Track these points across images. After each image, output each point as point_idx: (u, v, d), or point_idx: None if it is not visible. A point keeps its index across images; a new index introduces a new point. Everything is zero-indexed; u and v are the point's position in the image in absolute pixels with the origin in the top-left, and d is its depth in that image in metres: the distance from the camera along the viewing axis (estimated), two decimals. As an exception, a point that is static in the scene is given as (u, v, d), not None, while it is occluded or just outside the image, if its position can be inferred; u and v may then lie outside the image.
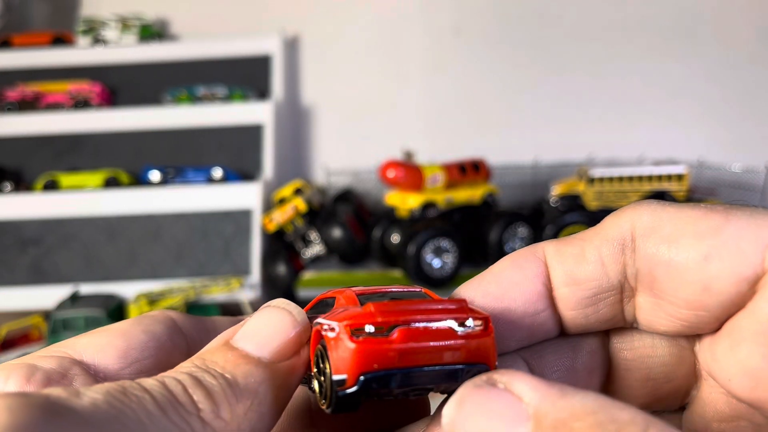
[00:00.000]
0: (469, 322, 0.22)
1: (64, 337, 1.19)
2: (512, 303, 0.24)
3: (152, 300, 1.29)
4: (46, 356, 0.25)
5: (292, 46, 1.75)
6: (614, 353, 0.26)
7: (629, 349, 0.25)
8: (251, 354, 0.22)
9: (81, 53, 1.69)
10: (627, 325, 0.25)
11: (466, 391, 0.20)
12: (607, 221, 0.24)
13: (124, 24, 1.71)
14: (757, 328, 0.20)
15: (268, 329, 0.23)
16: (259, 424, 0.21)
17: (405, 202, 1.28)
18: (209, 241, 1.42)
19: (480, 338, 0.22)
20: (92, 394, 0.17)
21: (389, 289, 0.25)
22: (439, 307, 0.22)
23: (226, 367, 0.21)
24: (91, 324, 1.20)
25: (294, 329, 0.23)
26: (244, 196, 1.44)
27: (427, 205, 1.28)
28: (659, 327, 0.23)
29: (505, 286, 0.25)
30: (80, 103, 1.61)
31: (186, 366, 0.21)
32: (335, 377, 0.21)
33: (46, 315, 1.30)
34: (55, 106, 1.61)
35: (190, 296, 1.30)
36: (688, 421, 0.25)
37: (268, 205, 1.44)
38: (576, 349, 0.26)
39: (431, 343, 0.21)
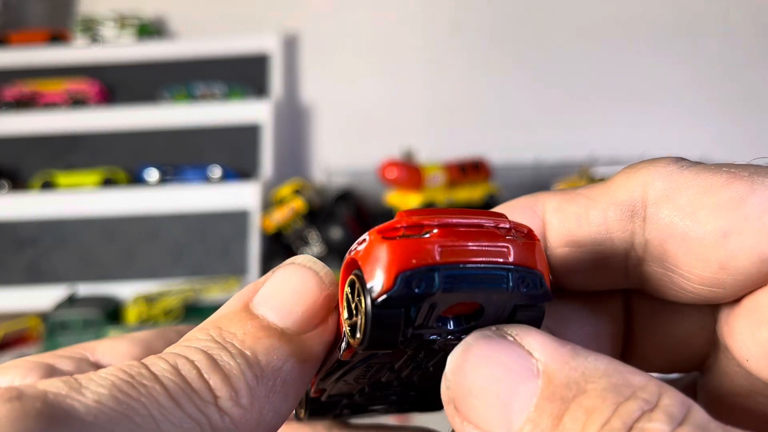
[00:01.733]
0: (512, 231, 0.19)
1: (62, 338, 1.18)
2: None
3: (150, 300, 1.28)
4: (64, 356, 0.23)
5: (291, 45, 1.74)
6: (633, 316, 0.24)
7: (649, 313, 0.24)
8: (274, 324, 0.20)
9: (78, 51, 1.68)
10: (632, 287, 0.23)
11: (473, 338, 0.18)
12: (618, 180, 0.22)
13: (122, 22, 1.70)
14: None
15: (292, 293, 0.20)
16: (283, 405, 0.19)
17: (405, 202, 1.27)
18: (207, 241, 1.42)
19: (526, 243, 0.19)
20: (95, 387, 0.15)
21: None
22: (481, 214, 0.19)
23: (245, 341, 0.19)
24: (88, 325, 1.19)
25: (321, 292, 0.20)
26: (243, 195, 1.43)
27: (428, 205, 1.27)
28: (668, 296, 0.22)
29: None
30: (77, 102, 1.60)
31: (201, 338, 0.19)
32: (369, 284, 0.18)
33: (43, 316, 1.29)
34: (52, 105, 1.60)
35: (189, 297, 1.29)
36: (704, 389, 0.24)
37: (267, 205, 1.43)
38: (597, 313, 0.24)
39: (474, 243, 0.18)
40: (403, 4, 1.71)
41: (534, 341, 0.17)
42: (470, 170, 1.33)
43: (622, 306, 0.24)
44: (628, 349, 0.25)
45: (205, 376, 0.18)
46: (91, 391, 0.15)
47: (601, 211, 0.21)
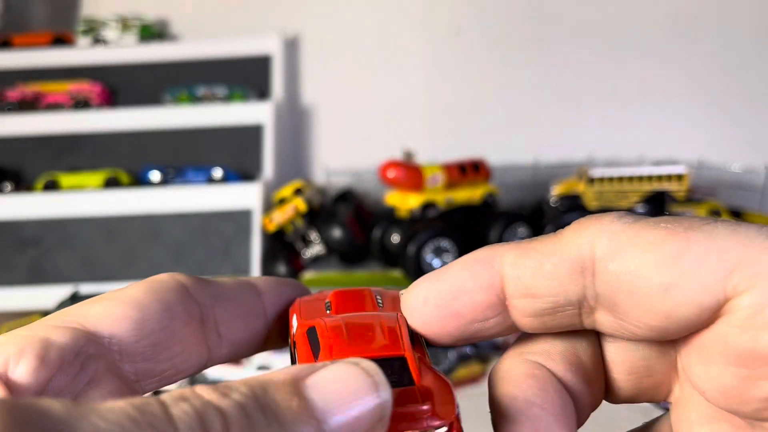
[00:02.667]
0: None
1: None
2: (462, 308, 0.24)
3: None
4: (58, 326, 0.22)
5: (292, 46, 1.75)
6: (603, 347, 0.26)
7: (614, 342, 0.25)
8: (317, 412, 0.18)
9: (81, 53, 1.70)
10: (588, 329, 0.25)
11: None
12: (567, 235, 0.23)
13: (124, 24, 1.71)
14: (725, 351, 0.20)
15: (347, 390, 0.19)
16: None
17: (405, 202, 1.28)
18: (209, 241, 1.43)
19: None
20: (98, 419, 0.14)
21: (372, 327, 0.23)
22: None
23: (286, 414, 0.17)
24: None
25: (372, 401, 0.19)
26: (244, 196, 1.44)
27: (427, 205, 1.28)
28: (621, 337, 0.23)
29: (455, 291, 0.24)
30: (80, 103, 1.61)
31: (241, 391, 0.17)
32: None
33: (46, 315, 1.30)
34: (55, 106, 1.61)
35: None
36: (675, 422, 0.25)
37: (268, 205, 1.44)
38: (577, 346, 0.25)
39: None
40: (403, 6, 1.72)
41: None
42: (470, 171, 1.34)
43: (596, 341, 0.26)
44: (606, 379, 0.26)
45: (232, 429, 0.16)
46: (98, 416, 0.14)
47: (555, 265, 0.23)
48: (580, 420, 0.25)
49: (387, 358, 0.23)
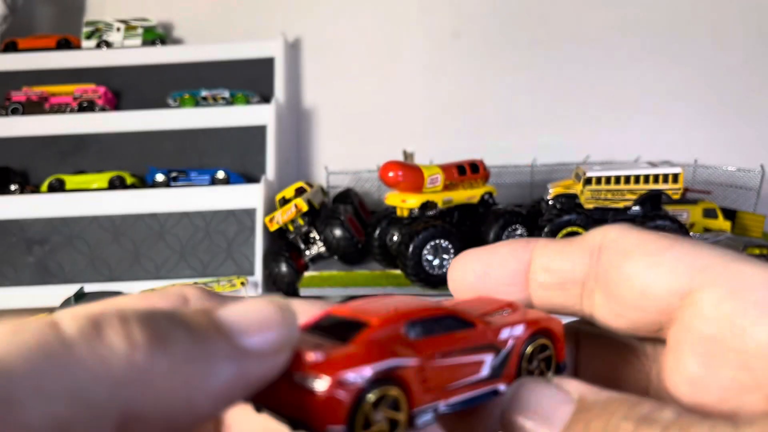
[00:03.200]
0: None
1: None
2: (495, 271, 0.31)
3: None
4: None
5: (294, 50, 1.77)
6: (579, 352, 0.32)
7: (590, 351, 0.32)
8: (226, 329, 0.20)
9: (86, 56, 1.72)
10: (586, 317, 0.30)
11: (525, 380, 0.26)
12: (588, 234, 0.29)
13: (129, 27, 1.73)
14: (691, 340, 0.25)
15: (254, 315, 0.21)
16: (200, 398, 0.18)
17: (405, 202, 1.30)
18: (213, 240, 1.44)
19: None
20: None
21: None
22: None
23: (192, 323, 0.19)
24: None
25: (279, 325, 0.21)
26: (247, 196, 1.45)
27: (427, 205, 1.30)
28: (610, 322, 0.28)
29: (495, 258, 0.31)
30: (85, 105, 1.63)
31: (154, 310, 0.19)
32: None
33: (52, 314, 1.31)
34: (60, 108, 1.63)
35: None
36: None
37: (271, 206, 1.46)
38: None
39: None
40: (403, 9, 1.74)
41: (571, 385, 0.24)
42: (469, 171, 1.35)
43: (573, 340, 0.32)
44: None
45: (131, 323, 0.18)
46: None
47: (573, 250, 0.29)
48: None
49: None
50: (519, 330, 0.27)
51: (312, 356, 0.21)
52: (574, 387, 0.24)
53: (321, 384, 0.21)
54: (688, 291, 0.25)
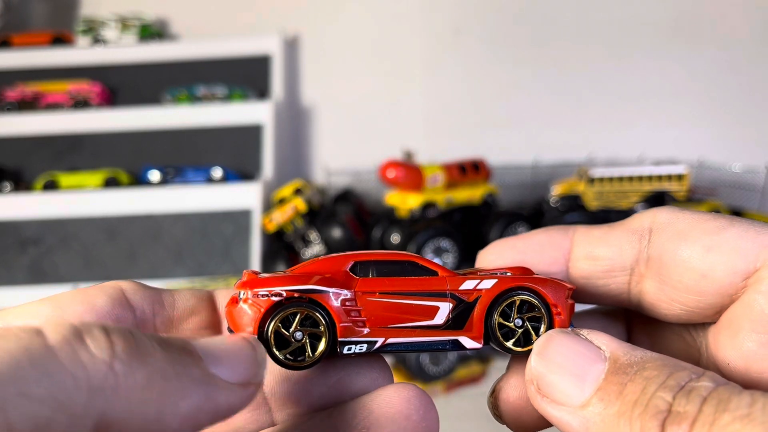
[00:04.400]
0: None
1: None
2: (532, 260, 0.29)
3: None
4: None
5: (291, 46, 1.75)
6: (632, 334, 0.30)
7: (643, 331, 0.30)
8: (198, 352, 0.21)
9: (81, 53, 1.69)
10: (632, 307, 0.28)
11: (553, 333, 0.24)
12: (633, 217, 0.28)
13: (124, 24, 1.71)
14: (752, 317, 0.24)
15: (228, 348, 0.22)
16: (170, 412, 0.19)
17: (405, 202, 1.28)
18: (209, 241, 1.42)
19: None
20: None
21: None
22: None
23: (172, 344, 0.20)
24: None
25: (249, 359, 0.22)
26: (244, 196, 1.43)
27: (427, 205, 1.28)
28: (661, 309, 0.27)
29: (532, 246, 0.29)
30: (80, 103, 1.61)
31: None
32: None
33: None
34: (54, 106, 1.61)
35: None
36: None
37: (268, 205, 1.44)
38: (607, 323, 0.30)
39: None
40: (403, 5, 1.72)
41: (601, 339, 0.23)
42: (470, 170, 1.34)
43: (624, 324, 0.31)
44: None
45: (111, 334, 0.18)
46: None
47: (618, 235, 0.28)
48: None
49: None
50: (488, 284, 0.26)
51: (245, 276, 0.25)
52: (606, 342, 0.23)
53: (241, 294, 0.25)
54: (753, 269, 0.24)
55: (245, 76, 1.67)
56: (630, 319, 0.31)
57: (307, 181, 1.50)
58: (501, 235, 1.26)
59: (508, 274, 0.28)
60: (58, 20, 1.84)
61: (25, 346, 0.16)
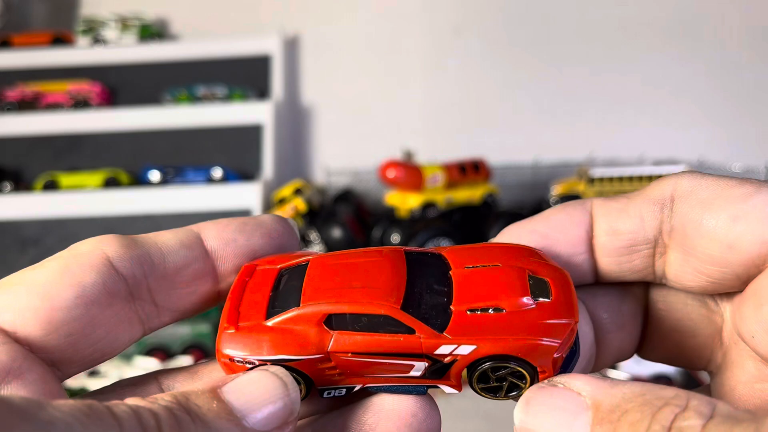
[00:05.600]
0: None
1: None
2: (555, 242, 0.27)
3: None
4: None
5: (291, 46, 1.75)
6: (651, 303, 0.29)
7: (663, 301, 0.28)
8: (236, 411, 0.21)
9: (81, 53, 1.69)
10: (656, 280, 0.27)
11: (531, 393, 0.23)
12: (652, 185, 0.26)
13: (124, 24, 1.71)
14: None
15: (260, 392, 0.22)
16: None
17: (405, 202, 1.28)
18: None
19: None
20: (53, 410, 0.16)
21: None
22: None
23: (208, 415, 0.20)
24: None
25: (283, 400, 0.22)
26: (244, 195, 1.43)
27: (427, 205, 1.28)
28: (686, 282, 0.26)
29: (552, 226, 0.27)
30: (80, 103, 1.61)
31: (165, 399, 0.20)
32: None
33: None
34: (54, 106, 1.61)
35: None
36: (716, 388, 0.27)
37: (268, 205, 1.44)
38: (623, 295, 0.29)
39: None
40: (403, 5, 1.72)
41: (580, 383, 0.22)
42: (470, 170, 1.34)
43: (642, 293, 0.29)
44: (643, 337, 0.29)
45: (164, 427, 0.18)
46: (51, 408, 0.16)
47: (637, 206, 0.26)
48: (602, 359, 0.28)
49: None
50: (465, 350, 0.24)
51: (231, 328, 0.25)
52: (583, 387, 0.22)
53: (225, 351, 0.25)
54: None
55: (245, 76, 1.67)
56: (647, 285, 0.29)
57: (307, 181, 1.50)
58: (501, 235, 1.26)
59: (500, 310, 0.25)
60: (58, 20, 1.84)
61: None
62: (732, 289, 0.25)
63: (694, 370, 0.29)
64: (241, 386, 0.22)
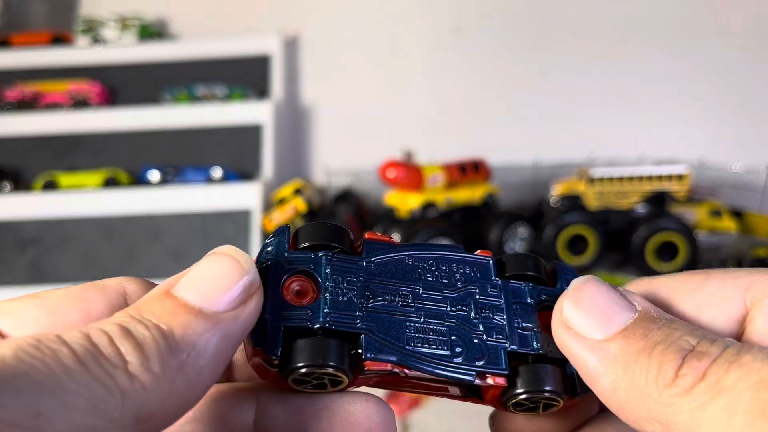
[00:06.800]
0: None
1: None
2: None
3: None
4: None
5: (291, 46, 1.75)
6: None
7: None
8: (191, 303, 0.20)
9: (80, 53, 1.69)
10: None
11: (586, 279, 0.24)
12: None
13: (124, 23, 1.71)
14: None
15: (211, 278, 0.21)
16: (196, 378, 0.19)
17: (405, 202, 1.28)
18: (209, 241, 1.42)
19: None
20: None
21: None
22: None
23: (162, 317, 0.20)
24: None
25: (240, 277, 0.22)
26: (244, 196, 1.43)
27: (427, 206, 1.28)
28: None
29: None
30: (79, 103, 1.61)
31: (118, 316, 0.20)
32: None
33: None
34: (54, 106, 1.61)
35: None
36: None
37: (268, 205, 1.44)
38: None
39: None
40: (403, 4, 1.72)
41: (637, 297, 0.23)
42: (470, 170, 1.33)
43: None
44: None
45: (117, 342, 0.18)
46: None
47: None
48: None
49: None
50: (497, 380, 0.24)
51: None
52: (640, 301, 0.23)
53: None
54: (745, 311, 0.23)
55: (245, 76, 1.66)
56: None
57: (307, 181, 1.50)
58: (501, 235, 1.26)
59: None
60: (58, 20, 1.84)
61: (60, 362, 0.17)
62: None
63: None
64: (192, 278, 0.21)
